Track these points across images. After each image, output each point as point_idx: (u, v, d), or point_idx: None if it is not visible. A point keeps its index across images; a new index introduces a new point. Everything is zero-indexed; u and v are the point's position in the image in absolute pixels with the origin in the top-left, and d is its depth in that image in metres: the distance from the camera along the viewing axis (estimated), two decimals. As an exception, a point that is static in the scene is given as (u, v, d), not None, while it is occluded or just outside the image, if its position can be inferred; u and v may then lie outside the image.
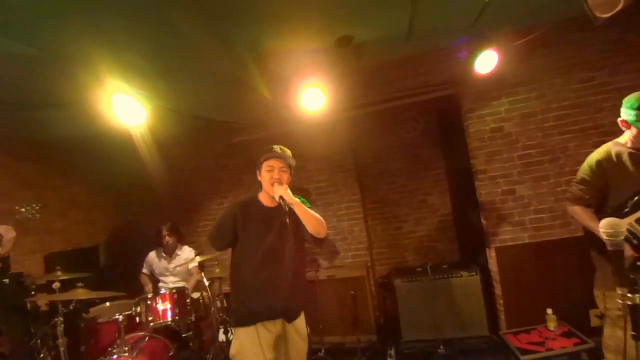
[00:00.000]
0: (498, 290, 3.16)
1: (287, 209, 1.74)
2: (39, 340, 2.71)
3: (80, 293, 2.50)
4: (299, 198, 1.85)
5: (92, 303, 2.98)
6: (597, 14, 1.98)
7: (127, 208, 4.71)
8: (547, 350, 2.57)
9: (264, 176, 1.86)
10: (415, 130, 4.18)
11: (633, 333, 1.04)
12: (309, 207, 1.84)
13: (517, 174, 3.12)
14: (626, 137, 1.78)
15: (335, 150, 3.97)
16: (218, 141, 4.29)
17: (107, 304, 2.96)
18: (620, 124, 1.78)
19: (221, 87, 3.06)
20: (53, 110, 2.85)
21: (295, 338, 1.89)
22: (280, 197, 1.74)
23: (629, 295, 1.00)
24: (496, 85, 3.12)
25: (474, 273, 3.19)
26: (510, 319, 3.07)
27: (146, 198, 4.41)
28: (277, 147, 1.91)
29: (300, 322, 1.92)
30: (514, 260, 3.09)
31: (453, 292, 3.18)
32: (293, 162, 1.92)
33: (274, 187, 1.79)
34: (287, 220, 1.74)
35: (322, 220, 1.83)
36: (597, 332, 2.21)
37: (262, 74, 2.87)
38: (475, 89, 3.19)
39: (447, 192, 4.14)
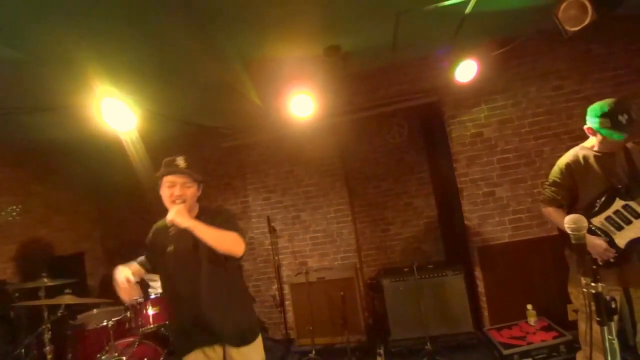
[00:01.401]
0: (481, 288, 3.30)
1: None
2: (23, 350, 2.65)
3: (68, 299, 2.47)
4: (221, 217, 1.62)
5: (78, 310, 2.93)
6: (567, 28, 2.16)
7: (112, 213, 4.63)
8: (528, 344, 2.70)
9: (164, 192, 1.61)
10: (401, 135, 4.32)
11: (597, 319, 1.15)
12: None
13: (497, 176, 3.28)
14: (592, 142, 1.92)
15: (323, 155, 4.04)
16: (207, 146, 4.29)
17: (94, 310, 2.92)
18: (586, 131, 1.91)
19: (211, 92, 3.09)
20: (39, 114, 2.81)
21: None
22: (171, 221, 1.53)
23: (592, 284, 1.11)
24: (476, 92, 3.29)
25: (458, 272, 3.30)
26: (493, 316, 3.20)
27: (132, 203, 4.35)
28: (180, 160, 1.62)
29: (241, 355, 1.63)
30: (495, 259, 3.23)
31: (439, 290, 3.29)
32: (200, 177, 1.67)
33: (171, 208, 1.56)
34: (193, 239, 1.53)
35: (235, 236, 1.55)
36: (575, 325, 2.34)
37: (251, 80, 2.92)
38: (456, 96, 3.35)
39: (432, 195, 4.27)
